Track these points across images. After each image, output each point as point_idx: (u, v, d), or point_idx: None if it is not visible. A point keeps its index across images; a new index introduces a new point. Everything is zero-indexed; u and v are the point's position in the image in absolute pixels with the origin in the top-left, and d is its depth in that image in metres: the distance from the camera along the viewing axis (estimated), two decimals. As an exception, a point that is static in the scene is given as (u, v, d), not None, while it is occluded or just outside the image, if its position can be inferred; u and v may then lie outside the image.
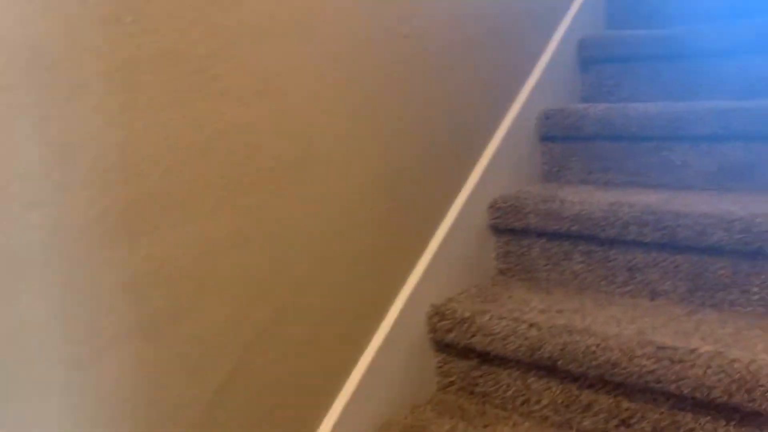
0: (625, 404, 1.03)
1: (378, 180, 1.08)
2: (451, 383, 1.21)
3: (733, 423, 0.95)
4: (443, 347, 1.21)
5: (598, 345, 1.00)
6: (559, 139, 1.50)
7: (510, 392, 1.14)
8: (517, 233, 1.34)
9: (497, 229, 1.36)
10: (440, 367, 1.22)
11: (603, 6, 1.86)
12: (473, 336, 1.13)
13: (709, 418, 0.96)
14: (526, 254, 1.33)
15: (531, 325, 1.07)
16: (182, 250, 0.79)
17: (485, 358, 1.16)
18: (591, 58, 1.68)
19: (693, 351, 0.93)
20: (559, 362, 1.04)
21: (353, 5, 1.00)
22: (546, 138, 1.52)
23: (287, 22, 0.90)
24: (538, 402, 1.12)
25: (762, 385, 0.88)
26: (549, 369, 1.09)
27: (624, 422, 1.03)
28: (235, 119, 0.84)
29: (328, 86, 0.97)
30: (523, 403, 1.13)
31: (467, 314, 1.14)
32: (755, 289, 1.09)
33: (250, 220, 0.87)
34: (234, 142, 0.84)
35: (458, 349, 1.19)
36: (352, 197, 1.03)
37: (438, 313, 1.17)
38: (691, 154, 1.33)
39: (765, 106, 1.23)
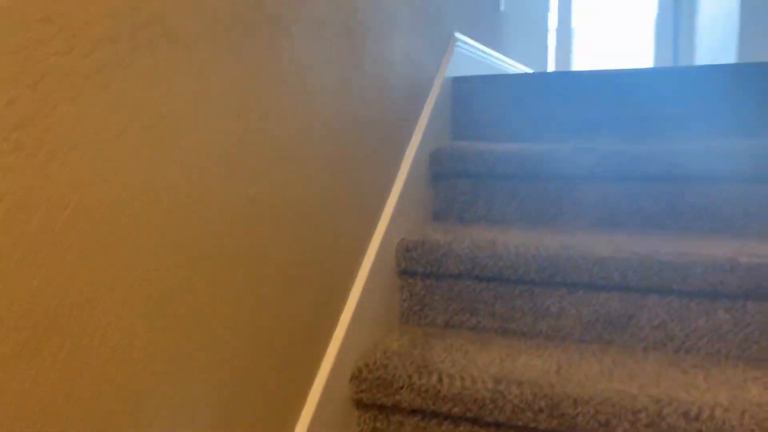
0: None
1: (223, 395, 0.79)
2: None
3: None
4: None
5: None
6: (421, 275, 1.32)
7: None
8: (385, 409, 1.11)
9: (361, 404, 1.12)
10: None
11: (449, 113, 1.73)
12: None
13: None
14: (397, 433, 1.11)
15: None
16: None
17: None
18: (443, 173, 1.53)
19: None
20: None
21: (199, 173, 0.72)
22: (406, 272, 1.33)
23: (96, 239, 0.59)
24: None
25: None
26: None
27: None
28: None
29: (139, 312, 0.67)
30: None
31: None
32: (661, 483, 0.96)
33: None
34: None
35: None
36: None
37: None
38: (569, 301, 1.21)
39: (644, 256, 1.14)
